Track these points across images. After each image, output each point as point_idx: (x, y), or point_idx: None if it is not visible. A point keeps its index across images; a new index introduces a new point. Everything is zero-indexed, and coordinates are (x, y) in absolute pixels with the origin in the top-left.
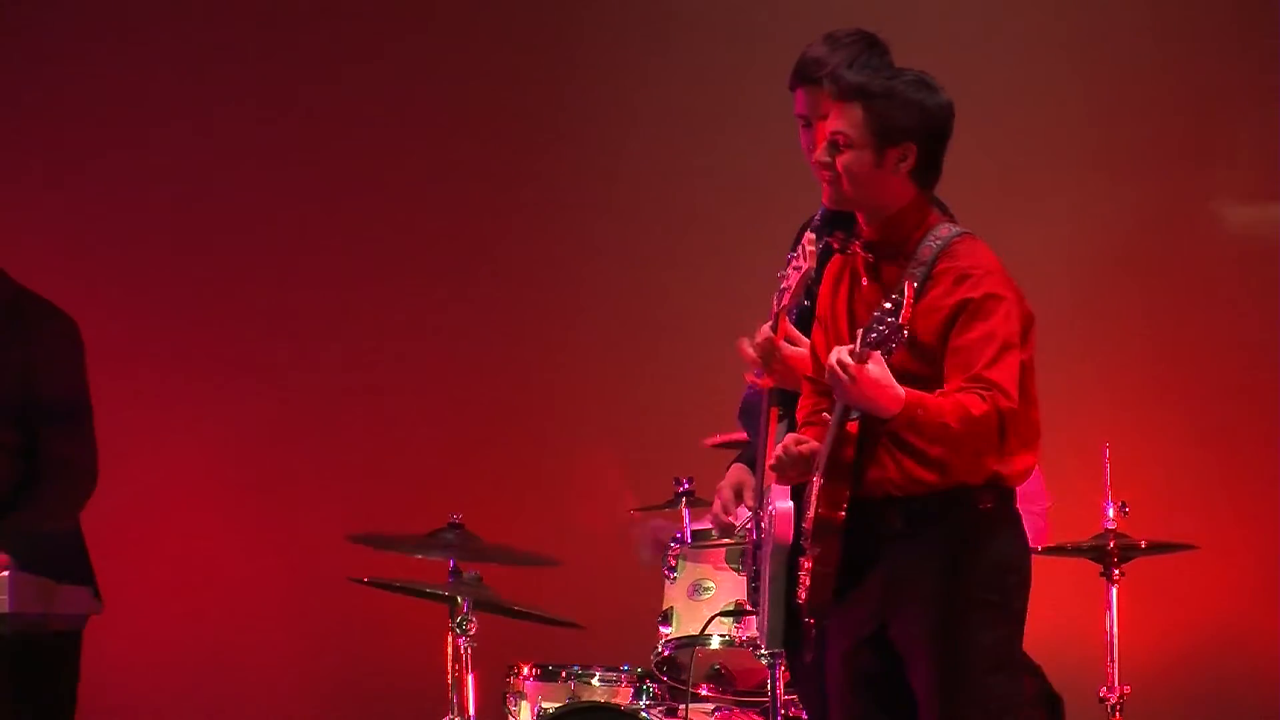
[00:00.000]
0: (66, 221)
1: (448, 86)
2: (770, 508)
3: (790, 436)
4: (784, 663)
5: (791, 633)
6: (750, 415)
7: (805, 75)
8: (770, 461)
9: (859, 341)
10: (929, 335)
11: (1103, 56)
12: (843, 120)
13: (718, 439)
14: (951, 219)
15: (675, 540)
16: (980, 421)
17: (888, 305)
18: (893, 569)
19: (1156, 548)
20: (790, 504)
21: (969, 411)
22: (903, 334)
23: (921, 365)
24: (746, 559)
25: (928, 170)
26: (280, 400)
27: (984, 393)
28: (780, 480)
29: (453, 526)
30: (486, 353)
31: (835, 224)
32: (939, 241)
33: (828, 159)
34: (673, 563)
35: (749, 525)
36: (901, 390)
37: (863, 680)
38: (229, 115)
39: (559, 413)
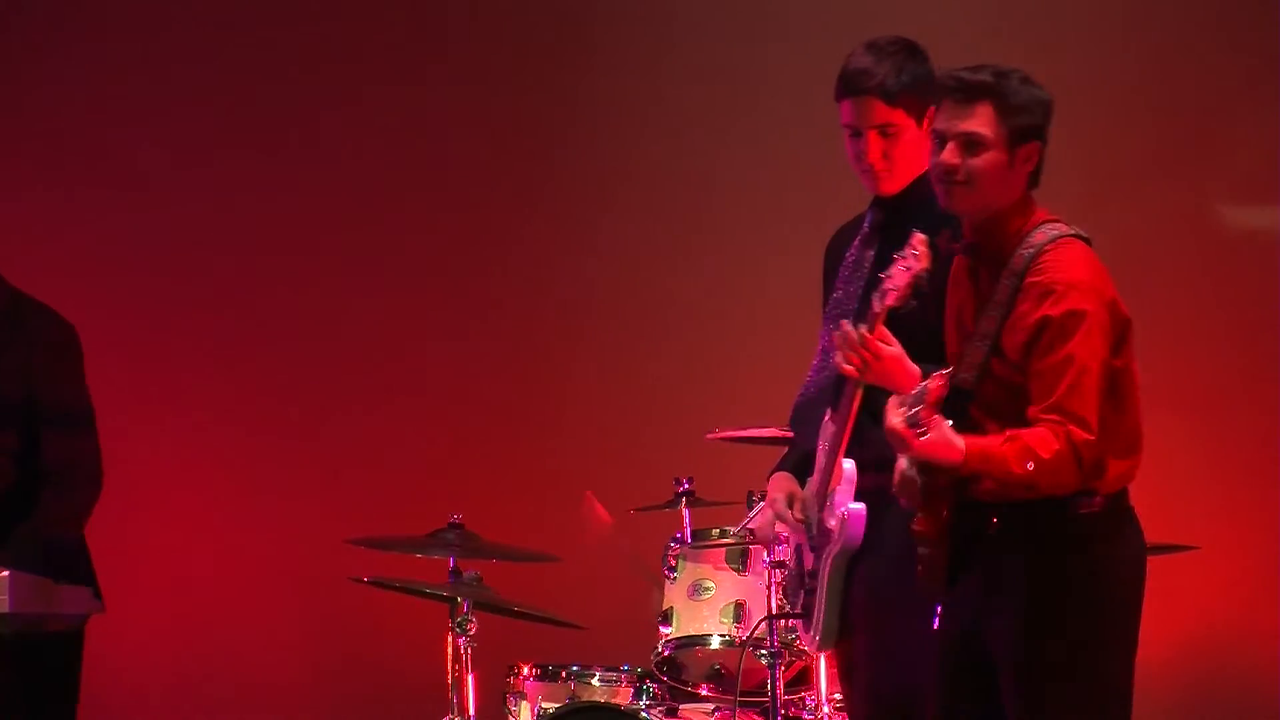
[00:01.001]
0: (64, 222)
1: (451, 86)
2: (841, 510)
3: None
4: (786, 660)
5: (843, 632)
6: (804, 420)
7: (853, 86)
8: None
9: (908, 405)
10: (1016, 353)
11: (1101, 57)
12: (973, 121)
13: (719, 434)
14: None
15: (675, 540)
16: (1050, 463)
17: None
18: (989, 571)
19: (1156, 549)
20: (862, 505)
21: (1037, 454)
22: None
23: (1016, 375)
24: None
25: (1039, 169)
26: (280, 400)
27: (1058, 428)
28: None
29: (453, 526)
30: (487, 352)
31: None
32: (1031, 250)
33: (957, 161)
34: (673, 563)
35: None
36: (961, 444)
37: (951, 673)
38: (229, 114)
39: (559, 412)
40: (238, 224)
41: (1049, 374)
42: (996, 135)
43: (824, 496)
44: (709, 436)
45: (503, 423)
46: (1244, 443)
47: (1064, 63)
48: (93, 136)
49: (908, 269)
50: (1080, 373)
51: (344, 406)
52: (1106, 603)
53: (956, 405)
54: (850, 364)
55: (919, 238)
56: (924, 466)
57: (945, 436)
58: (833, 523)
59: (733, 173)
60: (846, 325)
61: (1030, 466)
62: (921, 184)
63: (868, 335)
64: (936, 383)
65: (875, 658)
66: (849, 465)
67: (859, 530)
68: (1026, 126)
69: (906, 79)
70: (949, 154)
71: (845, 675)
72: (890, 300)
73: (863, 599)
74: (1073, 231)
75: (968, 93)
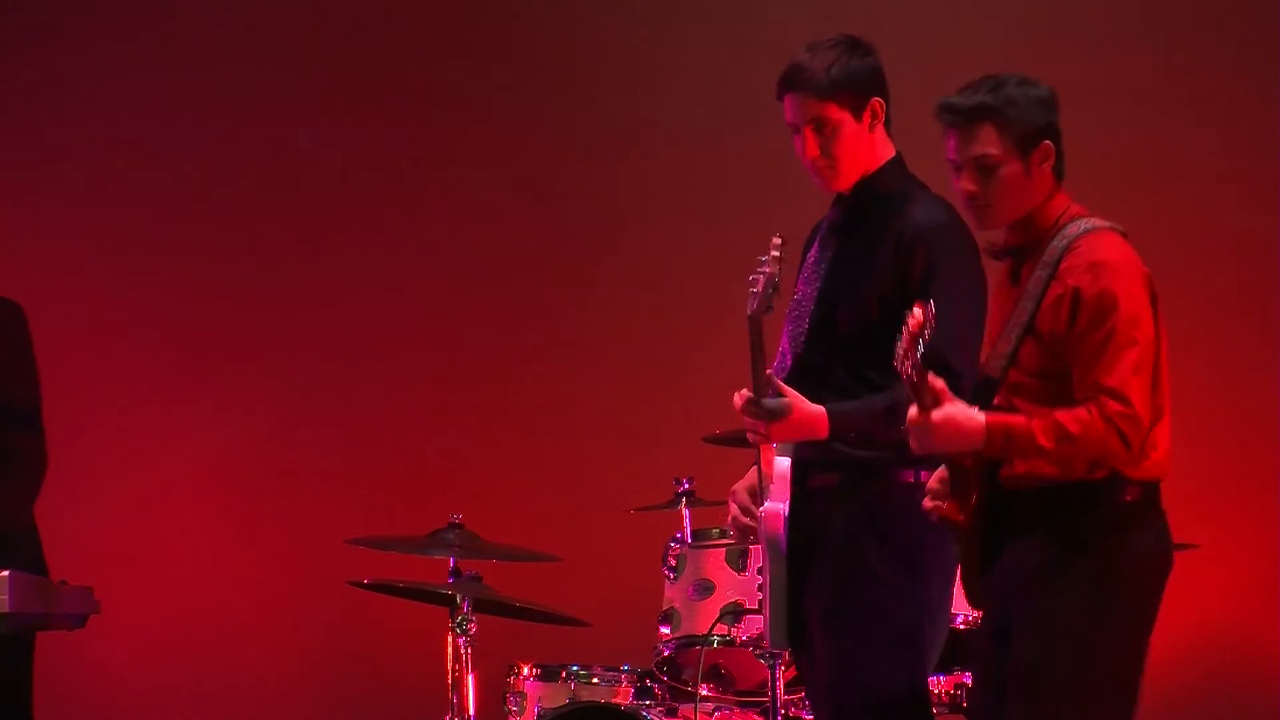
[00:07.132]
0: (67, 223)
1: (452, 84)
2: (760, 510)
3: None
4: (787, 660)
5: (794, 631)
6: None
7: (786, 82)
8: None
9: (909, 391)
10: (1053, 336)
11: (1102, 57)
12: (978, 144)
13: (716, 433)
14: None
15: (675, 540)
16: (1080, 439)
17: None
18: (1014, 563)
19: None
20: (779, 505)
21: (1065, 430)
22: (917, 359)
23: (1054, 361)
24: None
25: (1060, 162)
26: (280, 401)
27: (1091, 404)
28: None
29: (453, 526)
30: (487, 353)
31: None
32: (1065, 241)
33: (976, 187)
34: (673, 562)
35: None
36: (981, 420)
37: (989, 669)
38: (229, 114)
39: (559, 413)
40: (239, 225)
41: (1086, 354)
42: (1005, 150)
43: (763, 492)
44: (705, 439)
45: (503, 423)
46: (1244, 443)
47: (1063, 62)
48: (95, 135)
49: (763, 274)
50: (1118, 349)
51: (344, 407)
52: (1131, 593)
53: (983, 396)
54: (755, 434)
55: (775, 241)
56: (952, 459)
57: (960, 409)
58: (757, 520)
59: (733, 174)
60: (736, 398)
61: (1058, 443)
62: (876, 181)
63: (749, 409)
64: (921, 318)
65: (833, 666)
66: (782, 463)
67: (775, 528)
68: (1032, 130)
69: (837, 73)
70: (967, 181)
71: (806, 681)
72: (752, 306)
73: (815, 605)
74: (1107, 225)
75: (966, 116)
